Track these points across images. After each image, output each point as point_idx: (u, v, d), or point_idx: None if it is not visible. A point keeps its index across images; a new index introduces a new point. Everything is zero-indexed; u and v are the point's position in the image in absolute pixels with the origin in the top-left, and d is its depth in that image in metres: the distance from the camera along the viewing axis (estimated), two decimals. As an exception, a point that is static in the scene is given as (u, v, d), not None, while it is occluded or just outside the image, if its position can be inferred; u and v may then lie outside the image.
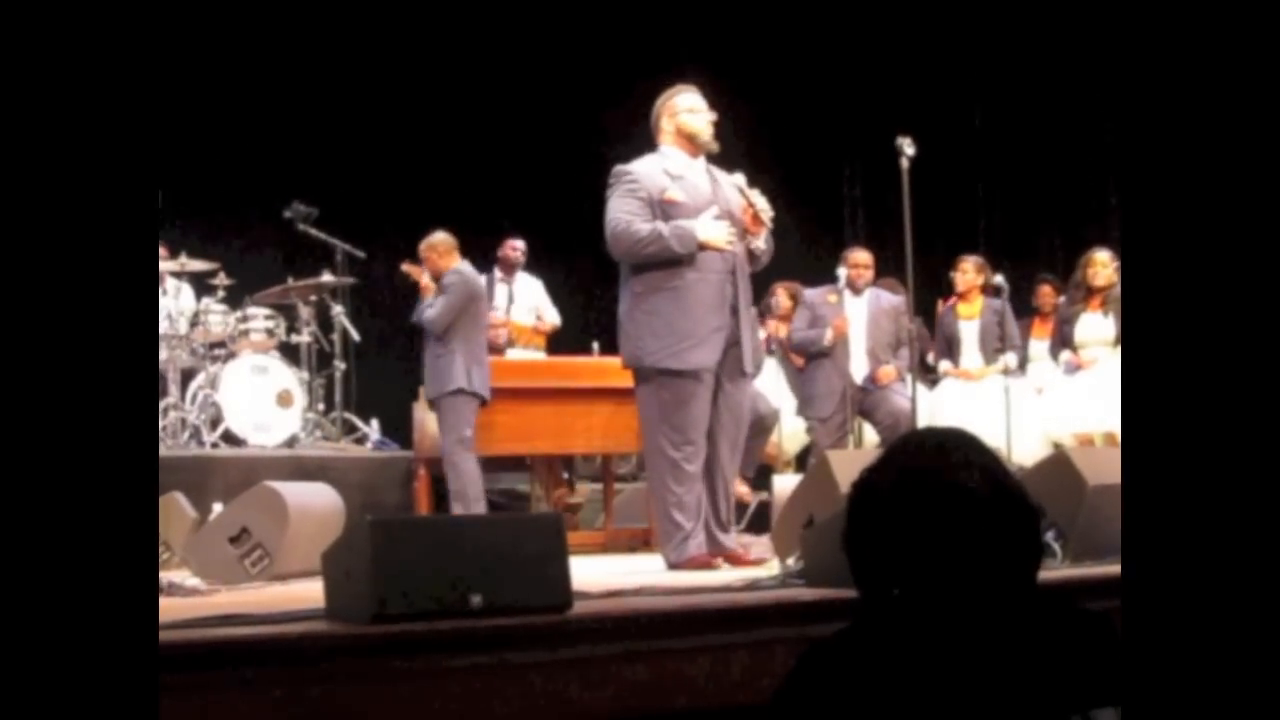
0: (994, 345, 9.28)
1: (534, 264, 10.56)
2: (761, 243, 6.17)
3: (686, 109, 6.18)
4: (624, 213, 6.03)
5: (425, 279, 8.28)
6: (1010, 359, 9.19)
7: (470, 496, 7.76)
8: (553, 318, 10.40)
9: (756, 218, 6.09)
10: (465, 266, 8.29)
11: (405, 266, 8.67)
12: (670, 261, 6.01)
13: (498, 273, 10.29)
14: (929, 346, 9.76)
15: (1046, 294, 10.25)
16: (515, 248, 10.35)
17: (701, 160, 6.20)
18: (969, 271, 9.56)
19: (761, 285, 7.93)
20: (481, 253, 10.44)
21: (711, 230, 6.00)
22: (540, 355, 9.80)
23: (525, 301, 10.32)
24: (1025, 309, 10.11)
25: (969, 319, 9.53)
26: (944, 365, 9.58)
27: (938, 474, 2.06)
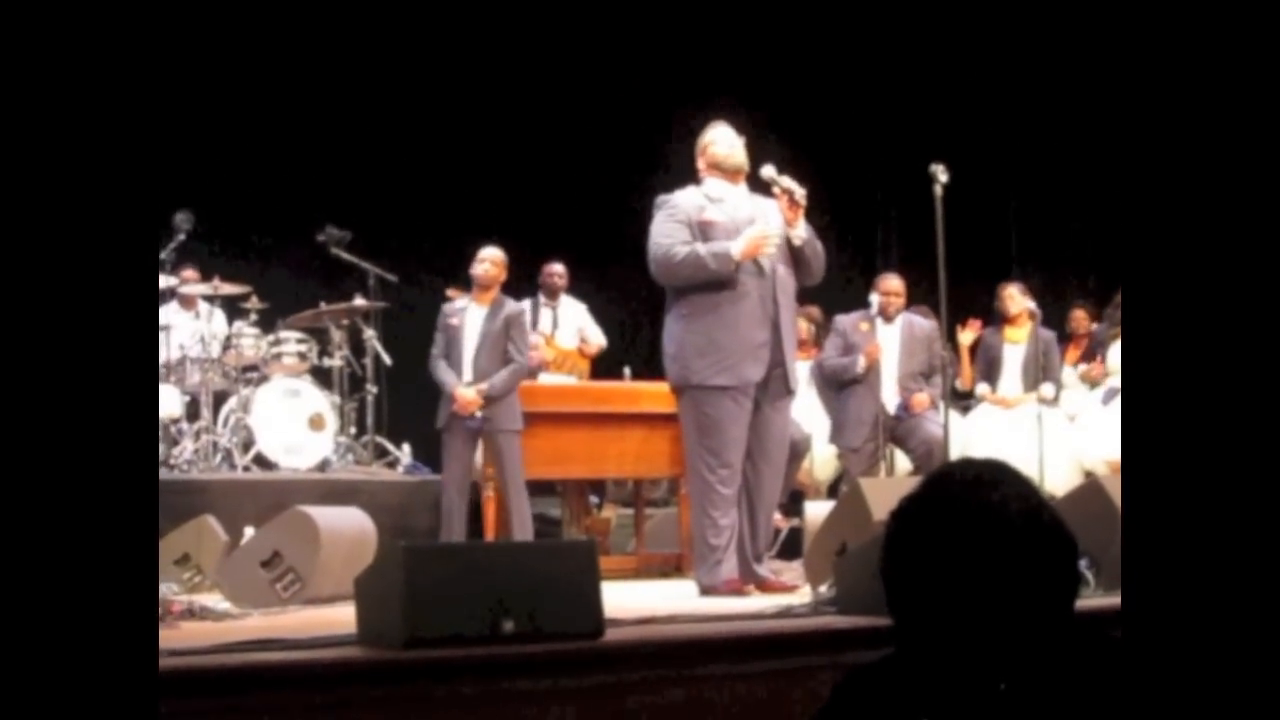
0: (1036, 373, 9.21)
1: (572, 288, 10.58)
2: (801, 230, 6.21)
3: (713, 141, 6.35)
4: (664, 237, 6.18)
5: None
6: (1048, 389, 9.11)
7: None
8: (598, 339, 10.40)
9: (791, 201, 6.14)
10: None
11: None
12: (711, 283, 6.10)
13: (541, 297, 10.30)
14: (957, 371, 9.71)
15: (1080, 319, 10.20)
16: (556, 272, 10.35)
17: (743, 187, 6.32)
18: (1016, 296, 9.50)
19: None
20: (516, 278, 10.46)
21: (746, 239, 6.06)
22: (563, 378, 9.80)
23: (570, 325, 10.33)
24: (1058, 335, 10.05)
25: (1015, 344, 9.47)
26: (982, 388, 9.53)
27: (976, 504, 2.05)
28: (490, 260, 8.19)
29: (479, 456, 7.98)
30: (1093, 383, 9.65)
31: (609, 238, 10.76)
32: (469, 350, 8.06)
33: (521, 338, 8.22)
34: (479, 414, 7.85)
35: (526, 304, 10.21)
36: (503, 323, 8.12)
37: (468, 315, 8.14)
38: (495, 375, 7.95)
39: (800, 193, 6.17)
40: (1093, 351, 9.45)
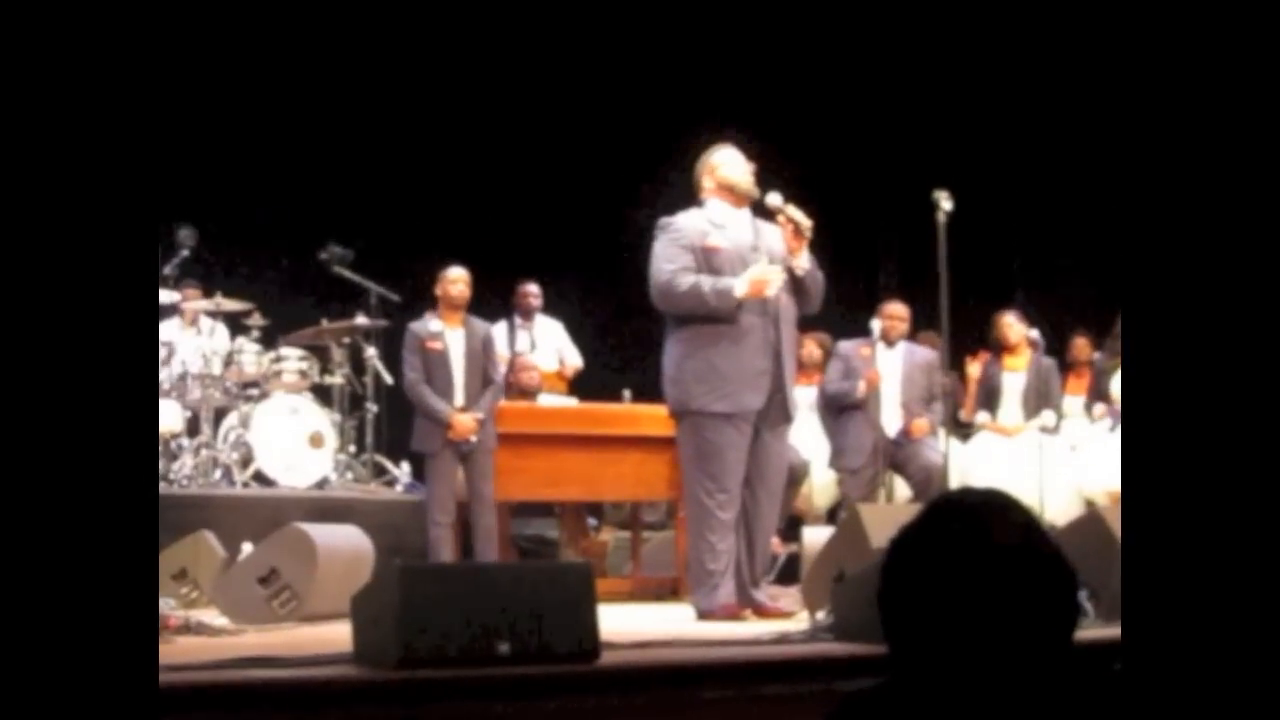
0: (1036, 401, 9.20)
1: (566, 309, 10.56)
2: (804, 261, 6.19)
3: (724, 162, 6.29)
4: (666, 263, 6.13)
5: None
6: (1048, 417, 9.10)
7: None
8: (574, 360, 10.39)
9: (796, 231, 6.12)
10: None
11: None
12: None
13: (517, 319, 10.27)
14: (961, 400, 9.69)
15: (1081, 347, 10.18)
16: (530, 293, 10.32)
17: (746, 211, 6.28)
18: (1013, 324, 9.50)
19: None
20: (501, 297, 10.42)
21: (749, 280, 6.02)
22: (563, 400, 9.78)
23: (547, 345, 10.30)
24: (1059, 363, 10.03)
25: (1014, 372, 9.45)
26: (982, 417, 9.51)
27: (975, 534, 2.05)
28: (464, 281, 8.23)
29: (460, 478, 8.00)
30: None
31: (607, 260, 10.76)
32: (459, 375, 8.09)
33: (495, 356, 8.38)
34: (473, 438, 7.89)
35: (502, 325, 10.20)
36: (481, 343, 8.22)
37: (449, 339, 8.16)
38: (482, 398, 8.05)
39: (806, 224, 6.14)
40: (1101, 392, 9.41)
